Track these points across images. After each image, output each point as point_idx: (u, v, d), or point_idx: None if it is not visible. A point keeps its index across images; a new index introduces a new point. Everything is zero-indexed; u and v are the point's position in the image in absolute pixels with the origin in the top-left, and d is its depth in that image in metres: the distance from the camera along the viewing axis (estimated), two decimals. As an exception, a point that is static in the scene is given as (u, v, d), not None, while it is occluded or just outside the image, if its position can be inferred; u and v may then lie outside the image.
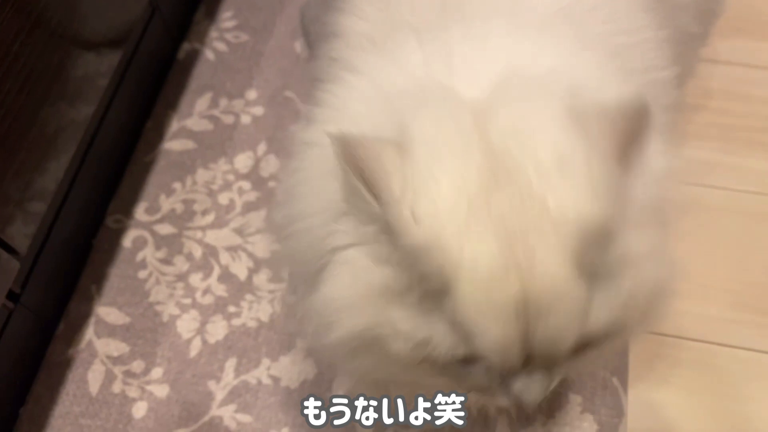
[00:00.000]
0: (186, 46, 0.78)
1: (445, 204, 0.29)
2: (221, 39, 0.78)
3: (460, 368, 0.32)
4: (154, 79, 0.75)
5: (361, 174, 0.30)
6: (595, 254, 0.29)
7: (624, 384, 0.58)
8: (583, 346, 0.31)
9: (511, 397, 0.33)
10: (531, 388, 0.32)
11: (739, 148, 0.71)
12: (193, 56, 0.77)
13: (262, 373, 0.60)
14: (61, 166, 0.58)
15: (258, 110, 0.73)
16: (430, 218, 0.29)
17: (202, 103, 0.74)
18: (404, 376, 0.36)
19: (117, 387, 0.59)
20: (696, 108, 0.72)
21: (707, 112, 0.72)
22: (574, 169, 0.29)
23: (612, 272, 0.31)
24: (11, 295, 0.54)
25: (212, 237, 0.66)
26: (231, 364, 0.60)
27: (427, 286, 0.30)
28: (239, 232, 0.66)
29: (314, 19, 0.75)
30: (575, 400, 0.58)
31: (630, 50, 0.38)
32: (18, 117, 0.50)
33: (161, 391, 0.59)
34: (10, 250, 0.50)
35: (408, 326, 0.31)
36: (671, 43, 0.42)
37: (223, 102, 0.74)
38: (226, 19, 0.80)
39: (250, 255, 0.65)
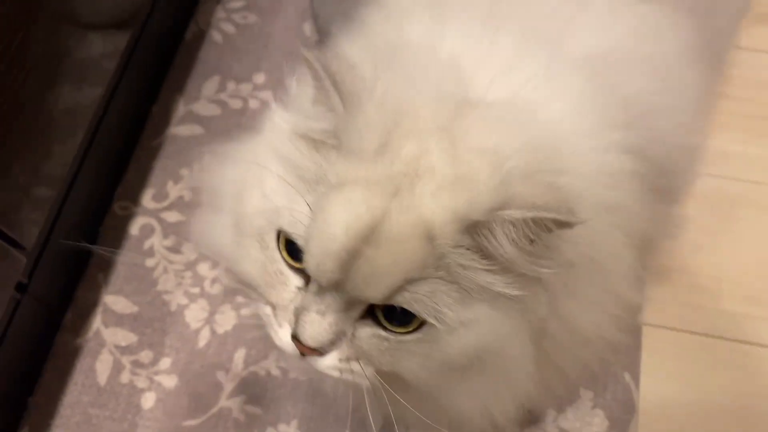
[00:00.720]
0: (193, 28, 0.76)
1: (371, 144, 0.30)
2: (228, 20, 0.76)
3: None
4: (161, 62, 0.73)
5: (334, 77, 0.30)
6: (450, 252, 0.30)
7: (636, 380, 0.58)
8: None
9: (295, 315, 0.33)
10: (315, 308, 0.32)
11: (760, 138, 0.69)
12: (200, 38, 0.75)
13: (270, 365, 0.59)
14: (67, 152, 0.57)
15: (266, 94, 0.72)
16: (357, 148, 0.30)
17: (209, 86, 0.72)
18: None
19: (125, 377, 0.59)
20: (719, 96, 0.70)
21: (729, 101, 0.70)
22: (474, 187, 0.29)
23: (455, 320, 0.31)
24: (18, 286, 0.53)
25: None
26: (240, 354, 0.60)
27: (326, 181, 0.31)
28: (247, 220, 0.65)
29: (324, 3, 0.73)
30: (586, 395, 0.57)
31: (660, 113, 0.36)
32: (24, 101, 0.49)
33: (170, 381, 0.59)
34: (16, 245, 0.49)
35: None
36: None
37: (231, 86, 0.72)
38: (234, -1, 0.78)
39: (259, 244, 0.64)
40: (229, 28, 0.76)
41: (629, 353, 0.59)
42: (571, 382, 0.39)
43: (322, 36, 0.73)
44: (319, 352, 0.32)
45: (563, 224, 0.28)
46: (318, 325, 0.31)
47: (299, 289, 0.33)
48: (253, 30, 0.76)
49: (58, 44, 0.53)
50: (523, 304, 0.32)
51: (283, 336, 0.33)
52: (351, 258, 0.29)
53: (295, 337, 0.32)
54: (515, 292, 0.31)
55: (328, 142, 0.32)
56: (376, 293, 0.30)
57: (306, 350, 0.32)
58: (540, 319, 0.33)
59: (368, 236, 0.29)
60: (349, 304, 0.31)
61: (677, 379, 0.59)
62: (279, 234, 0.33)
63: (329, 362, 0.33)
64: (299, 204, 0.31)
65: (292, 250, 0.33)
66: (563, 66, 0.34)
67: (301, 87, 0.35)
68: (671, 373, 0.59)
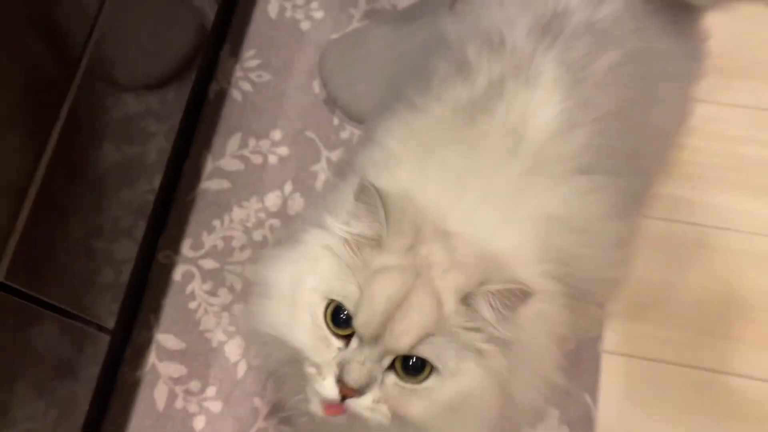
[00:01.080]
0: (214, 87, 0.86)
1: (402, 246, 0.44)
2: (246, 78, 0.86)
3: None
4: (189, 120, 0.84)
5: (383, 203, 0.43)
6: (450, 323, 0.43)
7: (595, 400, 0.71)
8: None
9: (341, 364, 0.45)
10: (357, 359, 0.44)
11: (709, 186, 0.81)
12: (222, 96, 0.86)
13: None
14: (118, 206, 0.68)
15: (283, 150, 0.83)
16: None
17: (232, 143, 0.83)
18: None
19: (179, 404, 0.72)
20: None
21: (682, 151, 0.82)
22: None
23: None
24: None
25: (250, 271, 0.77)
26: (271, 383, 0.73)
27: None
28: (272, 266, 0.77)
29: (332, 72, 0.83)
30: (554, 413, 0.71)
31: (582, 258, 0.49)
32: (86, 160, 0.60)
33: (216, 406, 0.72)
34: (102, 329, 0.62)
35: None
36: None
37: (252, 142, 0.83)
38: (249, 57, 0.87)
39: (283, 287, 0.76)
40: (246, 86, 0.86)
41: (589, 376, 0.72)
42: (518, 424, 0.53)
43: (331, 99, 0.83)
44: (359, 393, 0.44)
45: (527, 294, 0.41)
46: (359, 371, 0.44)
47: (339, 349, 0.45)
48: (269, 88, 0.86)
49: (100, 104, 0.64)
50: (492, 364, 0.45)
51: (327, 385, 0.45)
52: (388, 319, 0.42)
53: (339, 382, 0.44)
54: (488, 347, 0.44)
55: (371, 243, 0.44)
56: (404, 344, 0.42)
57: (349, 392, 0.44)
58: (502, 380, 0.47)
59: (401, 303, 0.42)
60: (380, 356, 0.44)
61: (634, 400, 0.73)
62: (327, 307, 0.45)
63: (366, 402, 0.45)
64: (350, 284, 0.44)
65: (336, 320, 0.45)
66: (516, 218, 0.47)
67: (349, 205, 0.47)
68: (628, 395, 0.73)
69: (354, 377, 0.44)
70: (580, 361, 0.74)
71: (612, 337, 0.75)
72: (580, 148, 0.49)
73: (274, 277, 0.51)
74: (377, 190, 0.43)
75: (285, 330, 0.48)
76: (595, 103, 0.51)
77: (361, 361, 0.44)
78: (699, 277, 0.78)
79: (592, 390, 0.72)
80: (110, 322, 0.66)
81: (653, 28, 0.56)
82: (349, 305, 0.44)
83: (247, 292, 0.67)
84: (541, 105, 0.50)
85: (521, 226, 0.47)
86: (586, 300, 0.51)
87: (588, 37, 0.52)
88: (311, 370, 0.47)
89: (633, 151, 0.54)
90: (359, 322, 0.43)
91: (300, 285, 0.47)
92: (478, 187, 0.47)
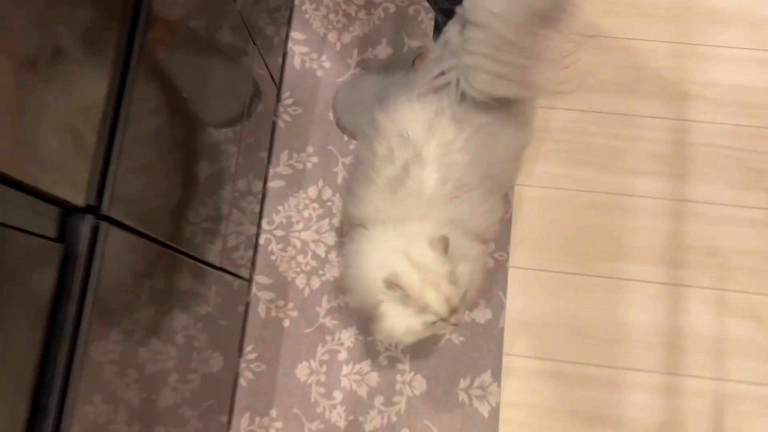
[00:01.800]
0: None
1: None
2: (286, 112, 1.37)
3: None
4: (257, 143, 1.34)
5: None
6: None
7: (505, 295, 1.28)
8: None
9: (451, 324, 0.99)
10: (456, 320, 0.99)
11: (570, 163, 1.35)
12: (273, 126, 1.36)
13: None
14: (218, 200, 1.20)
15: (315, 159, 1.34)
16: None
17: (283, 156, 1.35)
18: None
19: (273, 314, 1.28)
20: (542, 139, 1.35)
21: (554, 142, 1.35)
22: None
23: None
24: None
25: (305, 236, 1.31)
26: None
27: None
28: (317, 231, 1.31)
29: (340, 108, 1.33)
30: (482, 303, 1.28)
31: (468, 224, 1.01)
32: (187, 179, 1.13)
33: (294, 313, 1.28)
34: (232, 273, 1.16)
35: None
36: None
37: (294, 155, 1.35)
38: (286, 98, 1.37)
39: (324, 244, 1.30)
40: (287, 118, 1.36)
41: (501, 280, 1.29)
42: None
43: (341, 125, 1.34)
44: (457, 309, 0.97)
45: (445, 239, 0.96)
46: (458, 321, 0.94)
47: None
48: (301, 118, 1.36)
49: (196, 136, 1.14)
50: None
51: (440, 308, 0.96)
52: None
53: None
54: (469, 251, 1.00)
55: None
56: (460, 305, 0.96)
57: (456, 306, 0.94)
58: None
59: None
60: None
61: (535, 299, 1.29)
62: None
63: (461, 315, 0.98)
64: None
65: None
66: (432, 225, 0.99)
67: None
68: (531, 293, 1.29)
69: (457, 323, 0.91)
70: (496, 273, 1.31)
71: (514, 257, 1.31)
72: (451, 189, 0.93)
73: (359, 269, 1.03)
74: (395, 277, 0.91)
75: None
76: (458, 162, 0.90)
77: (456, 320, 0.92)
78: (571, 214, 1.33)
79: (504, 289, 1.29)
80: (231, 269, 1.20)
81: (494, 111, 0.93)
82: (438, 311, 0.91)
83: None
84: (428, 176, 0.89)
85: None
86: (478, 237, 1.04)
87: (453, 124, 0.89)
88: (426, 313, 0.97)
89: (483, 175, 1.05)
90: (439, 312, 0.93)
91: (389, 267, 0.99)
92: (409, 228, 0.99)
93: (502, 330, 1.26)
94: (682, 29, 1.43)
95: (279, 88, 1.37)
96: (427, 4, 1.39)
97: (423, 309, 0.87)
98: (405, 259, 0.87)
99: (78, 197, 0.60)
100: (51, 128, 0.55)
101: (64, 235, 0.60)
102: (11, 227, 0.53)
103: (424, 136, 0.90)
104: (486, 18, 0.81)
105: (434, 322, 0.88)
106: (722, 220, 1.33)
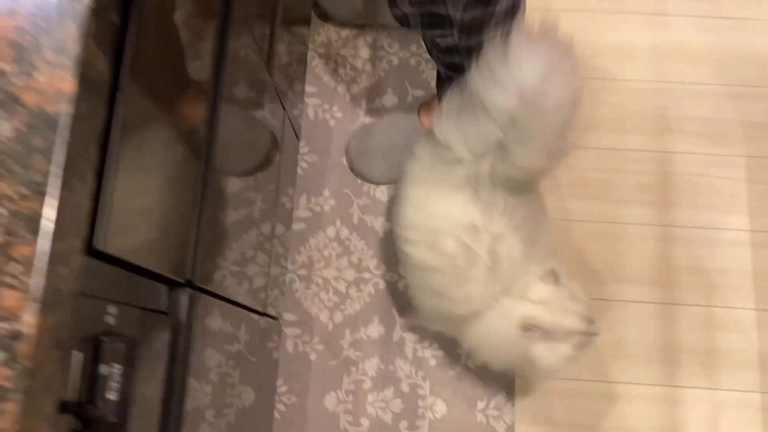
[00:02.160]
0: (285, 166, 1.47)
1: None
2: (303, 160, 1.47)
3: None
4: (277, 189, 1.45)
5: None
6: None
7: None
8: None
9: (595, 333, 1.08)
10: (596, 327, 1.08)
11: (566, 196, 1.47)
12: (293, 174, 1.47)
13: None
14: (249, 241, 1.30)
15: (331, 201, 1.45)
16: None
17: (303, 200, 1.45)
18: None
19: (300, 348, 1.37)
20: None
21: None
22: None
23: None
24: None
25: (326, 273, 1.41)
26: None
27: None
28: (337, 269, 1.41)
29: (353, 154, 1.44)
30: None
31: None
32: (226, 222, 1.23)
33: (320, 347, 1.38)
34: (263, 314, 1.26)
35: None
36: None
37: (313, 198, 1.45)
38: (303, 146, 1.48)
39: (344, 280, 1.41)
40: (304, 165, 1.47)
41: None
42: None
43: (354, 170, 1.45)
44: None
45: None
46: None
47: None
48: (317, 164, 1.47)
49: (223, 186, 1.24)
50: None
51: (579, 326, 1.07)
52: None
53: None
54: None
55: None
56: None
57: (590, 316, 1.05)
58: None
59: None
60: None
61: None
62: None
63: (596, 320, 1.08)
64: None
65: None
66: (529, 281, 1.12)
67: None
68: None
69: None
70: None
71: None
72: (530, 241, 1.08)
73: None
74: None
75: None
76: (519, 220, 1.04)
77: None
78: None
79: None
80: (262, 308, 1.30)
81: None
82: None
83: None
84: (514, 245, 1.01)
85: None
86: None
87: (497, 197, 1.01)
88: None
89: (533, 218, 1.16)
90: None
91: None
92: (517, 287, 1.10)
93: (513, 353, 1.37)
94: (660, 68, 1.57)
95: (298, 138, 1.48)
96: (427, 56, 1.52)
97: (566, 334, 0.97)
98: (529, 303, 0.98)
99: (180, 275, 0.71)
100: (163, 223, 0.66)
101: (171, 307, 0.71)
102: (144, 308, 0.63)
103: (487, 218, 1.00)
104: (539, 109, 0.90)
105: (581, 340, 0.98)
106: (706, 242, 1.46)
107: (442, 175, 1.05)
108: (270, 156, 1.22)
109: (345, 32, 1.53)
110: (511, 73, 0.86)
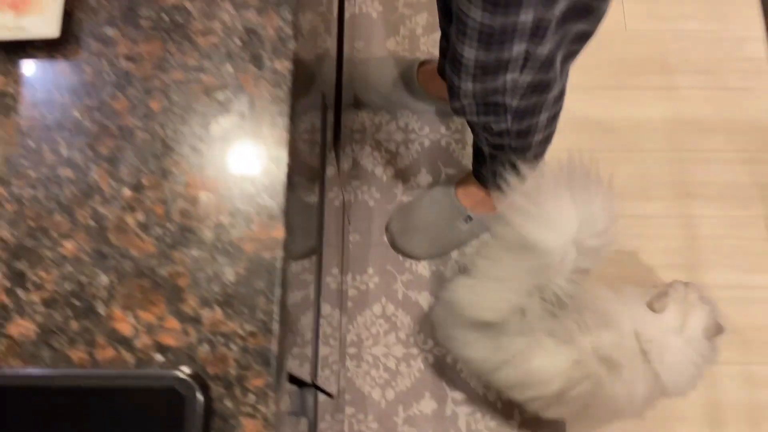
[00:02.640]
0: (329, 247, 1.52)
1: None
2: (346, 239, 1.53)
3: None
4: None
5: None
6: None
7: None
8: None
9: None
10: None
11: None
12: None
13: None
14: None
15: (375, 279, 1.50)
16: None
17: (348, 279, 1.50)
18: None
19: (355, 427, 1.39)
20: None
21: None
22: None
23: None
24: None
25: (375, 351, 1.44)
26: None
27: None
28: (386, 345, 1.44)
29: (394, 232, 1.50)
30: (542, 397, 1.41)
31: None
32: None
33: (374, 426, 1.39)
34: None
35: None
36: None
37: (357, 276, 1.50)
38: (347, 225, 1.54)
39: (393, 357, 1.44)
40: (348, 246, 1.52)
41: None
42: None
43: (395, 247, 1.50)
44: None
45: None
46: None
47: None
48: (360, 243, 1.53)
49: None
50: None
51: None
52: None
53: None
54: None
55: None
56: None
57: None
58: None
59: None
60: None
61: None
62: None
63: None
64: None
65: None
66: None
67: None
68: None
69: None
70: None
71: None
72: None
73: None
74: None
75: None
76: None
77: None
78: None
79: (559, 382, 1.43)
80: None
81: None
82: None
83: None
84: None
85: None
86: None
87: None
88: None
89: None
90: None
91: None
92: None
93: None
94: (675, 138, 1.66)
95: (349, 221, 1.54)
96: (456, 136, 1.60)
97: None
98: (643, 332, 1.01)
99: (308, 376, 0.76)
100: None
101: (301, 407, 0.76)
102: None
103: (576, 348, 1.04)
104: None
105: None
106: (736, 302, 1.52)
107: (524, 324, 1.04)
108: (326, 237, 1.27)
109: (378, 118, 1.62)
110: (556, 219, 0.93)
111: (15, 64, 0.62)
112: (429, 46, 1.69)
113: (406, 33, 1.71)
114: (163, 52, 0.61)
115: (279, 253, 0.53)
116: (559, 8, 0.79)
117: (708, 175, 1.63)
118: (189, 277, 0.53)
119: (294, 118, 0.60)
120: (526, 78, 0.93)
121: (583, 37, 0.91)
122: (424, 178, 1.58)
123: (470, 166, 1.49)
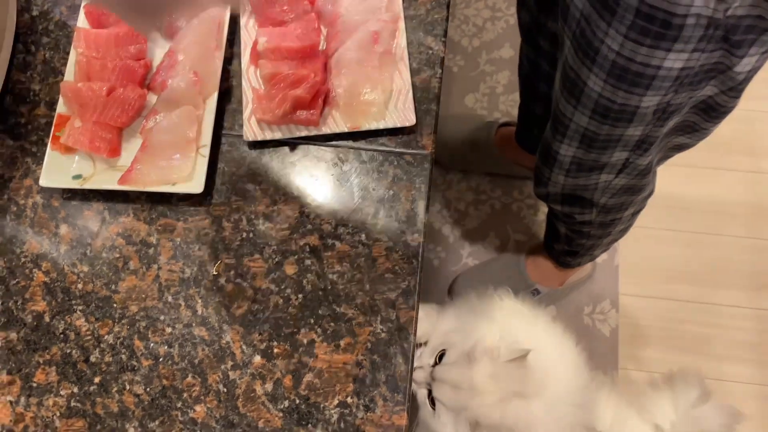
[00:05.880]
0: (389, 303, 1.51)
1: None
2: (406, 297, 1.51)
3: None
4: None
5: None
6: None
7: None
8: None
9: None
10: None
11: (668, 349, 1.48)
12: (394, 309, 1.50)
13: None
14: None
15: (433, 341, 1.48)
16: None
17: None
18: None
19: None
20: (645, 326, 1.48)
21: (651, 328, 1.49)
22: None
23: None
24: None
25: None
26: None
27: None
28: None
29: (460, 293, 1.48)
30: None
31: None
32: None
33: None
34: None
35: None
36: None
37: (415, 337, 1.48)
38: (407, 284, 1.52)
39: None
40: (407, 302, 1.51)
41: None
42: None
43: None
44: None
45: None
46: None
47: None
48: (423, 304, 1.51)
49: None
50: None
51: None
52: None
53: None
54: None
55: None
56: None
57: None
58: None
59: None
60: None
61: None
62: None
63: None
64: None
65: None
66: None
67: None
68: None
69: None
70: None
71: None
72: None
73: None
74: None
75: None
76: None
77: None
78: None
79: None
80: None
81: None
82: None
83: None
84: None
85: None
86: None
87: None
88: None
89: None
90: None
91: None
92: None
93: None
94: (755, 225, 1.60)
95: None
96: (529, 201, 1.58)
97: None
98: None
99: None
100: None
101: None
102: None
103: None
104: None
105: None
106: (806, 406, 1.44)
107: None
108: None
109: (450, 175, 1.61)
110: None
111: (158, 214, 0.63)
112: (508, 105, 1.67)
113: (486, 90, 1.69)
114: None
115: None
116: (668, 126, 0.77)
117: (787, 268, 1.56)
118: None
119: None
120: (621, 181, 0.90)
121: (683, 147, 0.88)
122: (491, 241, 1.56)
123: (541, 234, 1.47)
